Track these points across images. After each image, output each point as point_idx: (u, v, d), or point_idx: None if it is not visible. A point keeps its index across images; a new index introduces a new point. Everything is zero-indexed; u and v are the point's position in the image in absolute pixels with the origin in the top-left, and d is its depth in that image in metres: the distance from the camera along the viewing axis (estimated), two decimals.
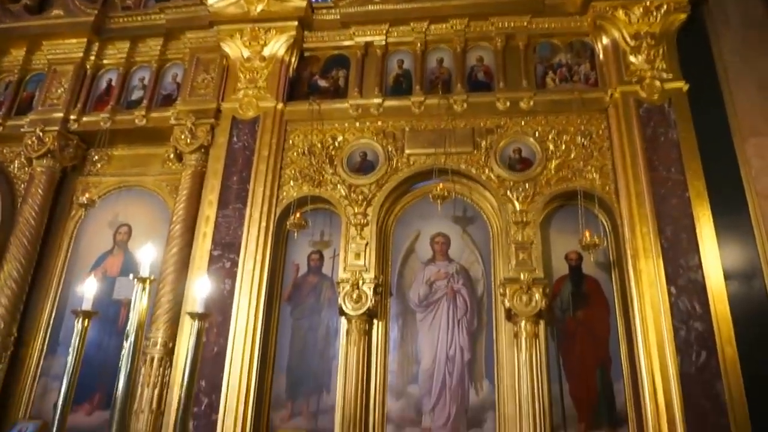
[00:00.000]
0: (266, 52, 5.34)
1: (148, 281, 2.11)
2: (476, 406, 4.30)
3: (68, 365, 2.06)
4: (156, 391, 4.25)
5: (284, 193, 4.91)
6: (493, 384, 4.32)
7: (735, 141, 4.62)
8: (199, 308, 2.23)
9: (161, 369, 4.32)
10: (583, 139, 4.69)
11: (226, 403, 4.10)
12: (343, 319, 4.49)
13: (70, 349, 2.07)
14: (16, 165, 5.64)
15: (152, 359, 4.33)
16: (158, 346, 4.38)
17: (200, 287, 2.27)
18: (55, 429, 1.94)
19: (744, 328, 3.98)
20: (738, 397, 3.79)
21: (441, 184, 4.36)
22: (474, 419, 4.26)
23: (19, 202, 5.41)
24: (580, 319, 4.42)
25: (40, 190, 5.23)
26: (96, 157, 5.62)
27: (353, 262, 4.54)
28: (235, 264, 4.51)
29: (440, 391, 4.37)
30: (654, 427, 3.82)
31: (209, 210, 4.77)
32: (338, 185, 4.88)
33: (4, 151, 5.73)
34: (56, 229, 5.34)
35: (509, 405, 4.19)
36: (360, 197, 4.79)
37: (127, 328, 2.08)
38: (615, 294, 4.43)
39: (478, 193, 4.86)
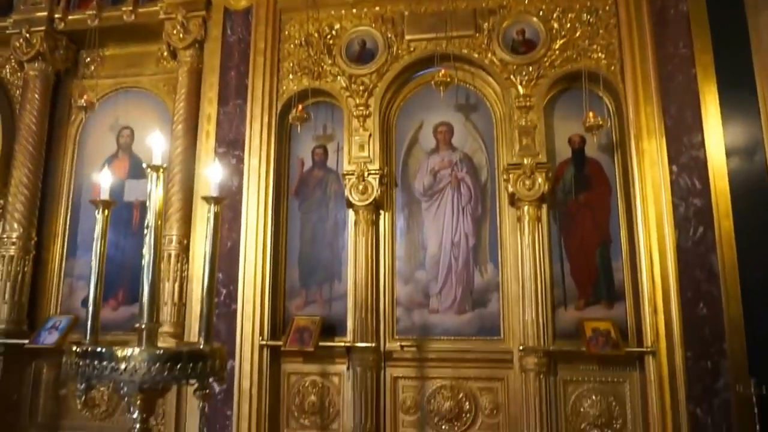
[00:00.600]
0: None
1: (161, 169, 2.15)
2: (481, 288, 4.51)
3: (95, 252, 2.16)
4: (176, 285, 4.46)
5: (284, 87, 4.83)
6: (497, 267, 4.51)
7: (748, 13, 4.44)
8: (213, 193, 2.30)
9: (179, 264, 4.51)
10: (588, 16, 4.52)
11: (243, 293, 4.32)
12: (351, 211, 4.61)
13: (95, 236, 2.15)
14: (7, 70, 5.51)
15: (169, 255, 4.50)
16: (174, 243, 4.53)
17: (213, 172, 2.33)
18: (91, 310, 2.07)
19: (742, 203, 4.07)
20: (731, 267, 3.96)
21: (443, 71, 4.26)
22: (479, 300, 4.49)
23: (17, 108, 5.35)
24: (582, 202, 4.52)
25: (36, 95, 5.15)
26: (88, 59, 5.47)
27: (357, 154, 4.57)
28: (240, 161, 4.54)
29: (446, 276, 4.58)
30: (650, 299, 4.04)
31: (210, 108, 4.72)
32: (338, 76, 4.78)
33: None
34: (59, 134, 5.33)
35: (513, 285, 4.40)
36: (361, 88, 4.71)
37: (147, 217, 2.15)
38: (617, 175, 4.48)
39: (480, 78, 4.77)
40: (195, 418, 4.20)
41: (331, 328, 4.49)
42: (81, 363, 1.97)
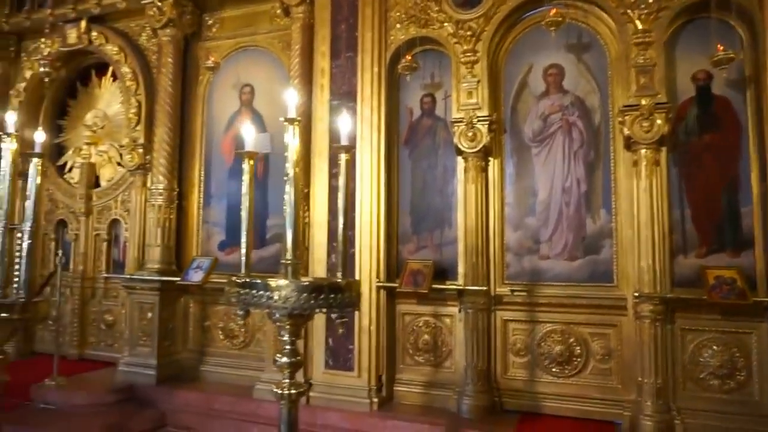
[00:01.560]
0: None
1: (296, 122, 2.37)
2: (593, 234, 4.47)
3: (243, 198, 2.45)
4: (300, 231, 4.86)
5: (392, 37, 4.92)
6: (610, 213, 4.43)
7: None
8: (344, 142, 2.50)
9: (301, 211, 4.88)
10: None
11: (360, 238, 4.61)
12: (460, 158, 4.70)
13: (243, 184, 2.44)
14: (143, 37, 6.10)
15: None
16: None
17: (343, 123, 2.52)
18: (244, 250, 2.39)
19: None
20: None
21: (554, 10, 4.13)
22: (591, 246, 4.46)
23: (154, 72, 5.93)
24: (707, 143, 4.25)
25: (170, 59, 5.67)
26: (210, 21, 5.89)
27: (466, 101, 4.60)
28: (354, 112, 4.75)
29: (557, 222, 4.57)
30: None
31: (323, 61, 4.94)
32: (445, 23, 4.78)
33: (131, 24, 6.19)
34: (189, 94, 5.85)
35: (627, 232, 4.31)
36: (468, 33, 4.68)
37: (286, 167, 2.39)
38: (748, 114, 4.15)
39: (594, 16, 4.55)
40: (320, 351, 4.64)
41: (443, 271, 4.69)
42: (241, 292, 2.30)
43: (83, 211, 6.23)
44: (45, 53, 6.43)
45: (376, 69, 4.80)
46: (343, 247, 2.48)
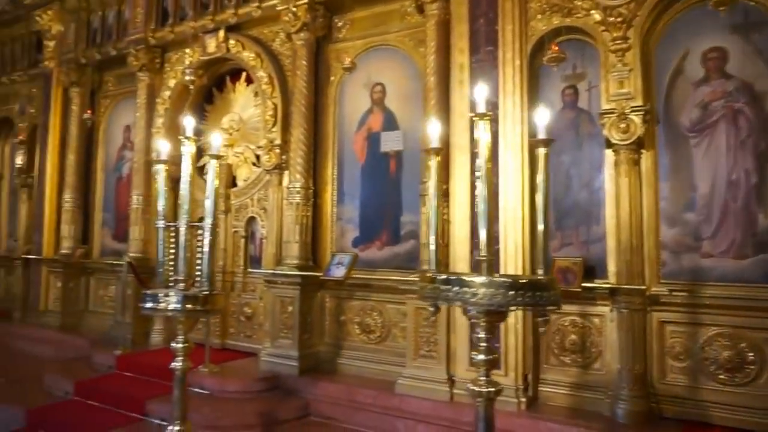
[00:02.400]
0: None
1: (486, 117, 2.34)
2: (766, 231, 4.09)
3: (431, 195, 2.46)
4: (439, 228, 4.84)
5: (532, 29, 4.78)
6: None
7: None
8: (540, 135, 2.44)
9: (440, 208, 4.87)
10: None
11: (505, 235, 4.51)
12: (609, 152, 4.48)
13: (429, 179, 2.44)
14: (277, 42, 6.38)
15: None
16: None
17: (540, 116, 2.46)
18: (432, 247, 2.38)
19: None
20: None
21: None
22: (763, 244, 4.08)
23: (287, 75, 6.18)
24: None
25: (304, 62, 5.87)
26: (340, 24, 6.04)
27: (617, 91, 4.38)
28: (495, 106, 4.66)
29: (722, 217, 4.23)
30: None
31: (461, 57, 4.89)
32: (591, 11, 4.57)
33: (265, 31, 6.49)
34: (321, 95, 6.03)
35: None
36: (618, 20, 4.44)
37: (477, 162, 2.37)
38: None
39: None
40: (464, 347, 4.60)
41: (590, 269, 4.50)
42: (437, 288, 2.30)
43: (222, 210, 6.61)
44: (186, 63, 6.90)
45: (517, 62, 4.68)
46: (544, 242, 2.41)
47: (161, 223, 3.56)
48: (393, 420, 4.62)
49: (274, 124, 6.09)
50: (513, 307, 2.27)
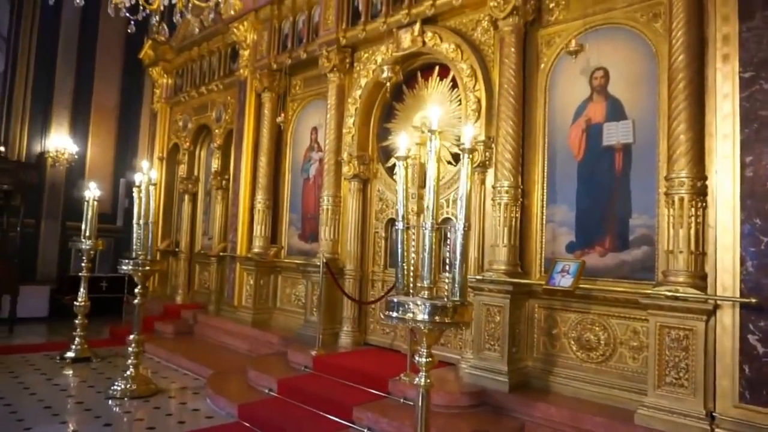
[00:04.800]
0: None
1: None
2: None
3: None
4: (691, 232, 4.06)
5: None
6: None
7: None
8: None
9: (693, 210, 4.08)
10: None
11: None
12: None
13: None
14: (478, 32, 5.97)
15: (680, 200, 4.12)
16: (684, 186, 4.12)
17: None
18: None
19: None
20: None
21: None
22: None
23: (490, 66, 5.74)
24: None
25: (512, 49, 5.37)
26: (552, 5, 5.44)
27: None
28: None
29: None
30: None
31: (725, 26, 4.05)
32: None
33: (464, 21, 6.13)
34: (529, 85, 5.48)
35: None
36: None
37: None
38: None
39: None
40: (728, 379, 3.76)
41: None
42: None
43: (415, 210, 6.35)
44: (378, 60, 6.78)
45: None
46: None
47: (400, 225, 3.26)
48: None
49: (477, 119, 5.68)
50: None
